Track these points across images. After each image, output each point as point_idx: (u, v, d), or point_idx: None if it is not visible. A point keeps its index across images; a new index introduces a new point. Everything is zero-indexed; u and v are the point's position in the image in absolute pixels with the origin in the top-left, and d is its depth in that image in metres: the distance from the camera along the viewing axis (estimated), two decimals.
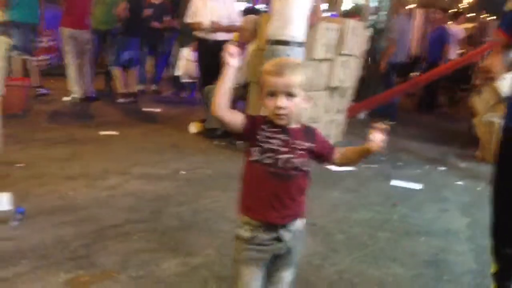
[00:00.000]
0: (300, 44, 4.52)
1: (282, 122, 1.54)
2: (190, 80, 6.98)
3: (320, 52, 4.82)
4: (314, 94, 4.95)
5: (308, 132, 1.61)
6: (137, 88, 7.26)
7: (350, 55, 5.32)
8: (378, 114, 7.43)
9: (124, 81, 7.02)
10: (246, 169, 1.58)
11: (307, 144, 1.58)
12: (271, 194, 1.54)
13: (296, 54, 4.51)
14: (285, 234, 1.58)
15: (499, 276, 2.28)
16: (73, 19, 6.45)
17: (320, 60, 4.89)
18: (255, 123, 1.54)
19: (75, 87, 6.59)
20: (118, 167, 3.82)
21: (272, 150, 1.53)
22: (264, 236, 1.56)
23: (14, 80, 5.84)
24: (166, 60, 8.04)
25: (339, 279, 2.42)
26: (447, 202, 3.89)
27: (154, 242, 2.59)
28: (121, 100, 6.81)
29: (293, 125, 1.57)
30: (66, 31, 6.49)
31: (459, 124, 7.42)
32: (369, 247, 2.86)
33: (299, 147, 1.56)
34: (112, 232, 2.66)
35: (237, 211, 1.61)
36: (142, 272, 2.27)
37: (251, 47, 5.18)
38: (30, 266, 2.21)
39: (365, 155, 1.63)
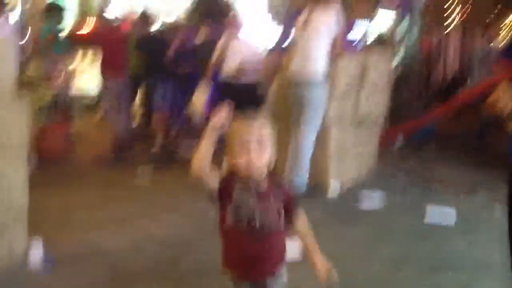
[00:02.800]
0: (322, 81, 4.58)
1: (253, 174, 1.55)
2: None
3: (342, 86, 4.84)
4: (339, 128, 4.96)
5: (278, 187, 1.63)
6: (174, 131, 7.44)
7: (375, 86, 5.32)
8: (416, 140, 7.34)
9: (162, 126, 7.21)
10: (222, 231, 1.60)
11: (278, 200, 1.59)
12: (251, 256, 1.56)
13: (319, 91, 4.57)
14: (272, 286, 1.60)
15: None
16: (110, 68, 6.76)
17: (343, 94, 4.91)
18: (229, 183, 1.56)
19: (115, 133, 6.86)
20: (147, 212, 3.93)
21: (248, 213, 1.54)
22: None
23: (56, 126, 6.14)
24: None
25: None
26: (480, 232, 3.78)
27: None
28: (159, 143, 7.00)
29: (264, 181, 1.58)
30: (104, 80, 6.81)
31: (503, 146, 7.17)
32: (390, 286, 2.81)
33: (273, 205, 1.57)
34: (131, 281, 2.75)
35: (222, 265, 1.63)
36: None
37: (274, 86, 5.27)
38: None
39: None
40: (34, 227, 3.16)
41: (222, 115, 1.54)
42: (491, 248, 3.41)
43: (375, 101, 5.40)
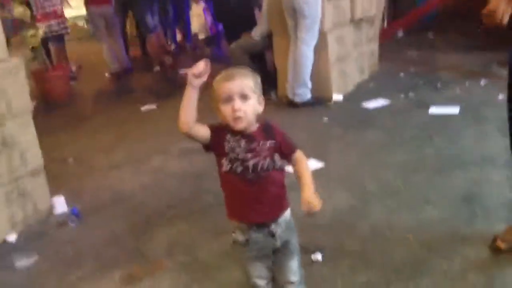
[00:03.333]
0: None
1: (241, 126, 1.58)
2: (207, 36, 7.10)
3: None
4: (339, 31, 4.85)
5: (267, 129, 1.65)
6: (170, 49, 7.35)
7: None
8: (416, 29, 7.18)
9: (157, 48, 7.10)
10: (221, 178, 1.66)
11: (269, 143, 1.62)
12: (251, 199, 1.62)
13: None
14: (276, 229, 1.66)
15: None
16: None
17: None
18: (220, 134, 1.60)
19: (112, 63, 6.82)
20: (159, 146, 4.02)
21: (239, 159, 1.59)
22: (257, 234, 1.65)
23: (54, 70, 6.10)
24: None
25: (372, 235, 2.52)
26: (486, 123, 3.81)
27: (194, 224, 2.78)
28: (157, 68, 6.95)
29: (252, 128, 1.62)
30: (92, 10, 6.62)
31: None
32: (402, 193, 2.92)
33: (263, 149, 1.61)
34: (158, 220, 2.87)
35: (227, 216, 1.71)
36: (189, 258, 2.47)
37: None
38: (90, 268, 2.47)
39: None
40: (54, 181, 3.29)
41: (199, 69, 1.52)
42: (496, 140, 3.48)
43: None
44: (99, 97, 5.95)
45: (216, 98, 1.60)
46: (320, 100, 4.70)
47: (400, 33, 7.21)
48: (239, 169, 1.60)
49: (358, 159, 3.45)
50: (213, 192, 3.11)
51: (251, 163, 1.59)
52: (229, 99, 1.56)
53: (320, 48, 4.65)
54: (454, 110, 4.19)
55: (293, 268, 1.74)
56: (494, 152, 3.29)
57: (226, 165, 1.61)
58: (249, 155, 1.60)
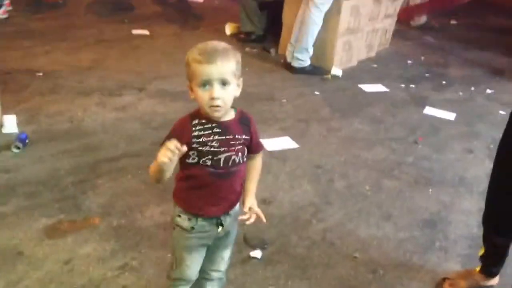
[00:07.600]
0: None
1: (218, 114, 1.40)
2: None
3: None
4: (356, 1, 4.51)
5: (244, 122, 1.49)
6: None
7: None
8: (441, 13, 6.78)
9: None
10: (182, 166, 1.48)
11: (243, 137, 1.48)
12: (213, 193, 1.49)
13: None
14: (225, 220, 1.55)
15: (485, 260, 2.17)
16: None
17: None
18: (182, 133, 1.40)
19: None
20: (137, 80, 3.78)
21: (211, 152, 1.42)
22: (203, 223, 1.52)
23: None
24: None
25: (320, 240, 2.37)
26: (476, 141, 3.61)
27: (144, 184, 2.59)
28: None
29: (228, 117, 1.45)
30: None
31: None
32: (367, 200, 2.75)
33: (238, 143, 1.46)
34: (107, 167, 2.69)
35: (174, 201, 1.55)
36: (124, 221, 2.31)
37: None
38: (16, 207, 2.30)
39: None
40: (14, 96, 3.06)
41: (173, 148, 1.29)
42: (480, 163, 3.29)
43: None
44: (95, 5, 5.56)
45: (191, 76, 1.38)
46: (318, 70, 4.44)
47: (424, 15, 6.80)
48: (209, 162, 1.43)
49: (335, 150, 3.25)
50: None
51: (222, 156, 1.44)
52: (207, 84, 1.35)
53: (331, 15, 4.34)
54: (449, 116, 3.98)
55: (225, 258, 1.69)
56: (474, 176, 3.13)
57: (192, 157, 1.43)
58: (222, 148, 1.43)
